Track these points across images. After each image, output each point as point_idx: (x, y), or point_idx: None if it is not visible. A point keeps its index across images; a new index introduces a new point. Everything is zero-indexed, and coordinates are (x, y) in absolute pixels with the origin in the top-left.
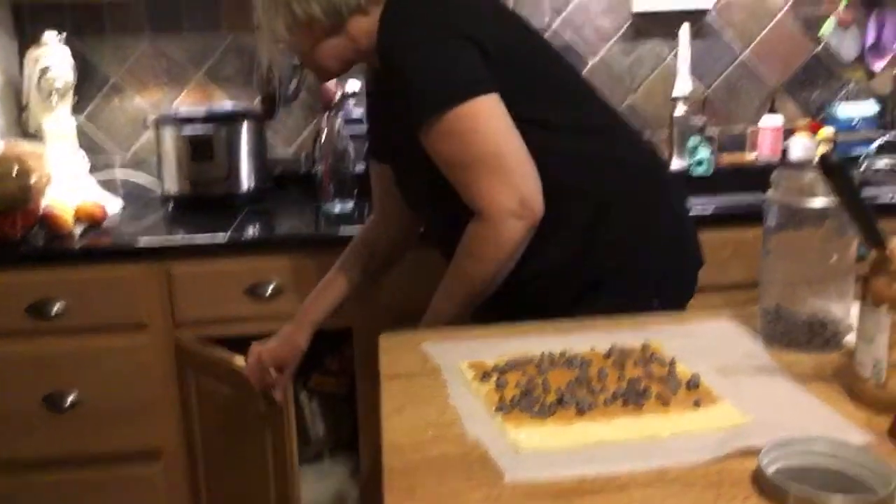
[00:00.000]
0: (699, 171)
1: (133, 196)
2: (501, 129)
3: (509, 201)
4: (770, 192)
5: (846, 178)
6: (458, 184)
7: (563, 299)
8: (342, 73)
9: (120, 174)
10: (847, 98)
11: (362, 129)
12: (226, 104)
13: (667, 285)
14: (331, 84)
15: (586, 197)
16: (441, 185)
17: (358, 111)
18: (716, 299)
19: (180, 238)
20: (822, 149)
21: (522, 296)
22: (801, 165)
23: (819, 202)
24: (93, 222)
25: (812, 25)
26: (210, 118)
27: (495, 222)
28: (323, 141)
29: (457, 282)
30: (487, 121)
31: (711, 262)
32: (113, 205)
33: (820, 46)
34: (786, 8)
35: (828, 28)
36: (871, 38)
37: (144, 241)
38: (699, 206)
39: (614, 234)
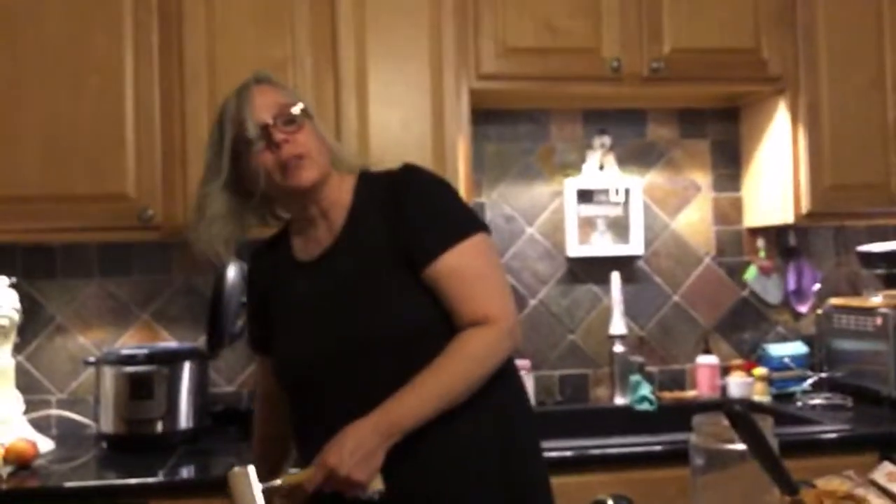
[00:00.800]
0: (644, 407)
1: (67, 436)
2: None
3: (512, 317)
4: (692, 437)
5: (751, 427)
6: (474, 294)
7: None
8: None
9: (55, 413)
10: (777, 339)
11: None
12: (170, 344)
13: None
14: None
15: (499, 407)
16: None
17: None
18: None
19: (110, 481)
20: (759, 386)
21: None
22: (718, 411)
23: (739, 446)
24: (22, 463)
25: (736, 272)
26: (152, 357)
27: (500, 329)
28: None
29: (441, 379)
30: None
31: (658, 501)
32: (45, 444)
33: (746, 291)
34: (708, 258)
35: (750, 275)
36: (792, 285)
37: (72, 483)
38: (644, 443)
39: (520, 446)
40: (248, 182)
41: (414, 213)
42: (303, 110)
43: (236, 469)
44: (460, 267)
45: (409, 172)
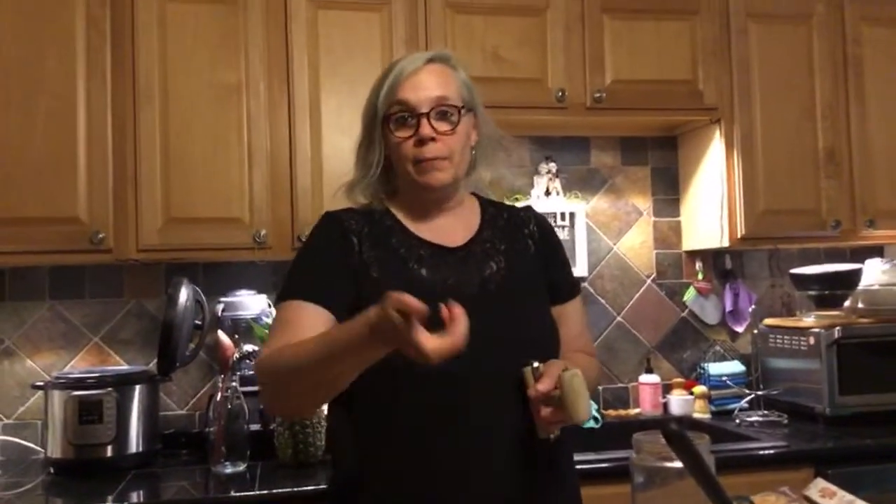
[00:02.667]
0: (590, 424)
1: (13, 462)
2: None
3: None
4: (632, 455)
5: (686, 446)
6: (586, 334)
7: None
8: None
9: (1, 439)
10: (715, 358)
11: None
12: (121, 367)
13: None
14: (228, 345)
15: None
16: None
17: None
18: None
19: None
20: (699, 404)
21: None
22: (657, 429)
23: (677, 464)
24: None
25: (676, 293)
26: (102, 381)
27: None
28: (217, 401)
29: (592, 371)
30: None
31: None
32: None
33: (686, 311)
34: (649, 280)
35: (689, 296)
36: (728, 305)
37: None
38: (589, 461)
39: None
40: (386, 150)
41: (561, 259)
42: (462, 108)
43: (575, 371)
44: (578, 312)
45: (547, 221)
